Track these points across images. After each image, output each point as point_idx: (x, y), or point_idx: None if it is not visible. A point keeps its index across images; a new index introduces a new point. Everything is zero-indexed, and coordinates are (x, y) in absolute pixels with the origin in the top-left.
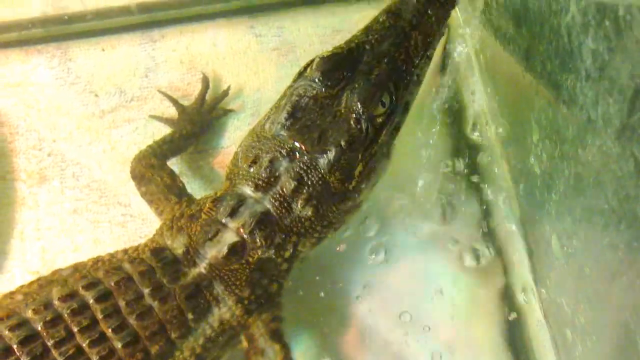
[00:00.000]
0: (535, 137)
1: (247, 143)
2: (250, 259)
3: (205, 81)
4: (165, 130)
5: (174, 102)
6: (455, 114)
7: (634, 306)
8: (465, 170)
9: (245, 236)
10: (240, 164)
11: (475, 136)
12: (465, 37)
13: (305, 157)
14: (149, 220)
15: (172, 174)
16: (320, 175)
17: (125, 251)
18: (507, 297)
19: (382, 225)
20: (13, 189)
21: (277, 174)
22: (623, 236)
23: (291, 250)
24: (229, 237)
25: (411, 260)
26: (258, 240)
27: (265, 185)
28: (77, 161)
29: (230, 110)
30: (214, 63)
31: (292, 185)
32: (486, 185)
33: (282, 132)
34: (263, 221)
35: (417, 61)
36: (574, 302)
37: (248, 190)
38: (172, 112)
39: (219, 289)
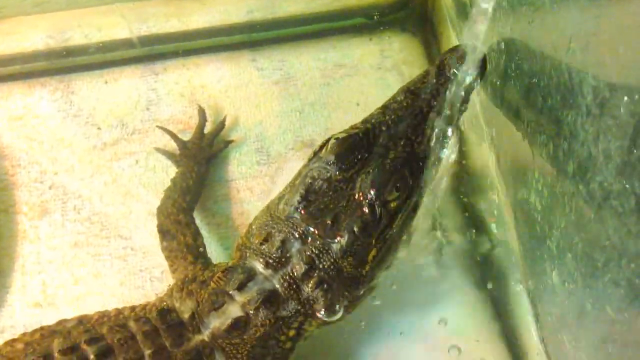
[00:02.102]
0: (537, 173)
1: (260, 220)
2: (253, 335)
3: (202, 114)
4: (167, 163)
5: (174, 137)
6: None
7: (636, 343)
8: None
9: (250, 312)
10: (252, 239)
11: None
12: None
13: (318, 242)
14: (149, 254)
15: (195, 234)
16: (332, 260)
17: (133, 308)
18: (508, 334)
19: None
20: (14, 222)
21: (288, 255)
22: (624, 273)
23: (296, 330)
24: (234, 311)
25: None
26: (262, 318)
27: (276, 264)
28: (78, 194)
29: (231, 141)
30: (216, 96)
31: (303, 268)
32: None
33: (295, 215)
34: (270, 299)
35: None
36: (576, 338)
37: (259, 266)
38: (174, 145)
39: (220, 359)
